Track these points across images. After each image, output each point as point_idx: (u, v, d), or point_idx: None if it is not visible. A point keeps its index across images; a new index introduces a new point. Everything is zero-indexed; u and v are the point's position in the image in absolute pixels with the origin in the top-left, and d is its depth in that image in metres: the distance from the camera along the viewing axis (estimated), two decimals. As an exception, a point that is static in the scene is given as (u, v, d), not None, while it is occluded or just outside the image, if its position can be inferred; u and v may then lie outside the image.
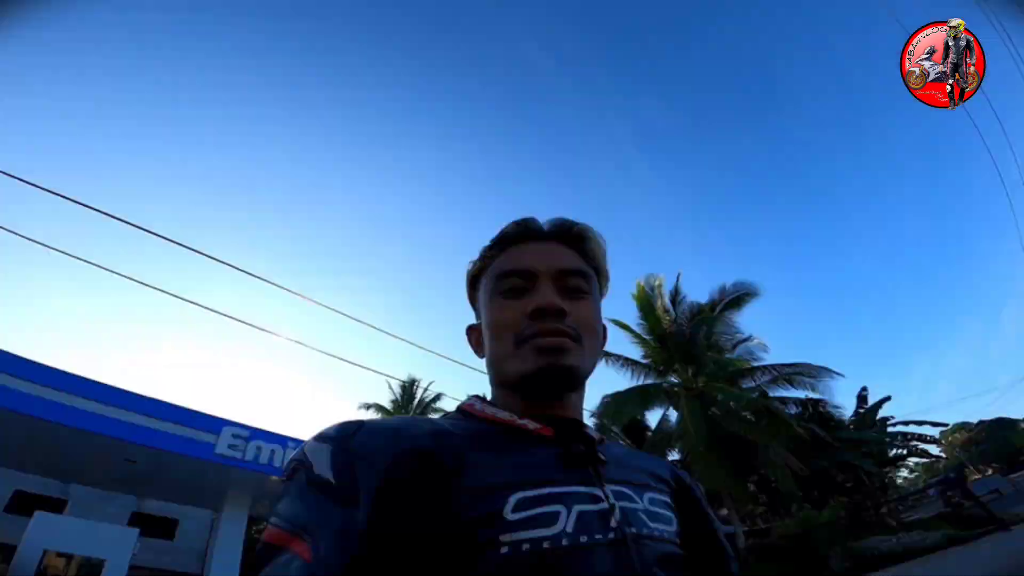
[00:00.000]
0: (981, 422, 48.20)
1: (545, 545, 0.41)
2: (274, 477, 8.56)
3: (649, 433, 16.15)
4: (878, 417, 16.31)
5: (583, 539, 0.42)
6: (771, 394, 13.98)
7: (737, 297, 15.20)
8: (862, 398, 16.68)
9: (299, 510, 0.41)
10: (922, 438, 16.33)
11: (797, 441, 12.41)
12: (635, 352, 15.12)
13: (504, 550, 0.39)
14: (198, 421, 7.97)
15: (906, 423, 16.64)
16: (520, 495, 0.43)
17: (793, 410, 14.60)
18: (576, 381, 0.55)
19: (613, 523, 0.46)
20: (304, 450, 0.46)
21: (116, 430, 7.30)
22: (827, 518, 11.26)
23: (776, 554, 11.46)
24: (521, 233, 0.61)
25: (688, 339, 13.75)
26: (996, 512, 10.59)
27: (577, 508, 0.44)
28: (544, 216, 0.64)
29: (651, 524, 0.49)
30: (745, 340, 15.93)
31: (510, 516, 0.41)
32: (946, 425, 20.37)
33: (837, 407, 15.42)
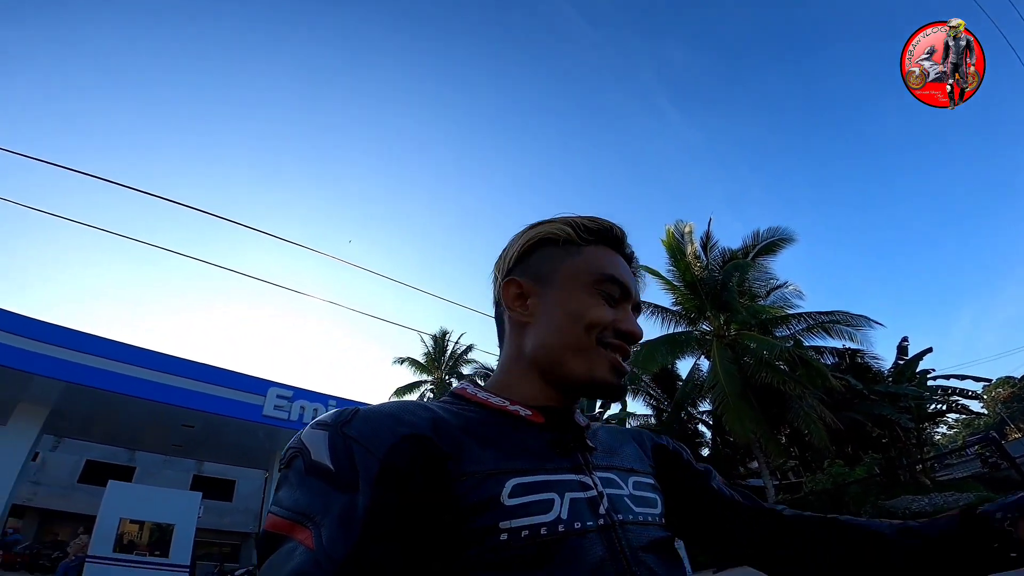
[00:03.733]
0: (1028, 376, 46.01)
1: (543, 532, 0.42)
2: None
3: (679, 383, 15.90)
4: (918, 370, 15.61)
5: (576, 526, 0.44)
6: (806, 343, 13.50)
7: (771, 243, 14.61)
8: (902, 349, 15.89)
9: (299, 497, 0.40)
10: (963, 393, 15.66)
11: (832, 393, 12.16)
12: (665, 299, 14.86)
13: (503, 536, 0.40)
14: (246, 383, 8.35)
15: (947, 377, 15.88)
16: (516, 481, 0.44)
17: (829, 360, 14.17)
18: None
19: (602, 510, 0.47)
20: (301, 438, 0.45)
21: (173, 397, 7.70)
22: (860, 474, 11.11)
23: (806, 510, 11.44)
24: (618, 241, 0.62)
25: (720, 285, 13.32)
26: (1032, 476, 10.21)
27: (569, 495, 0.46)
28: (590, 200, 0.67)
29: (636, 509, 0.51)
30: (780, 287, 15.36)
31: (507, 502, 0.42)
32: (989, 380, 19.52)
33: (876, 358, 14.88)
